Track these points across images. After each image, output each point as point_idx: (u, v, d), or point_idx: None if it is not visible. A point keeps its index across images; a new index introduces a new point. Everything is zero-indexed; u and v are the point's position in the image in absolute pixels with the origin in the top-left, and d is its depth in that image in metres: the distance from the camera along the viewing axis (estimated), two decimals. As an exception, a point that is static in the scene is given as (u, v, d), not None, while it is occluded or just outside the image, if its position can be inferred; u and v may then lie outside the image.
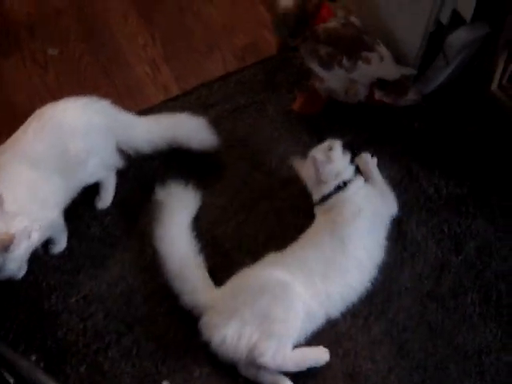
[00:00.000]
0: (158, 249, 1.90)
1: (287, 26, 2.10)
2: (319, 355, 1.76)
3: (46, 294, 1.97)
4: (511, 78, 2.15)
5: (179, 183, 2.03)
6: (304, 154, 2.04)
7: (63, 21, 2.75)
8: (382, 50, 2.10)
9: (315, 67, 2.13)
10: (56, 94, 2.38)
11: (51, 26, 2.73)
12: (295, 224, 2.02)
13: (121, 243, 2.06)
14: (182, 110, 2.21)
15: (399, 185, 2.11)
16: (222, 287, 1.84)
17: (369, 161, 2.01)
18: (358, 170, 2.00)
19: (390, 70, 2.11)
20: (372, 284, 1.86)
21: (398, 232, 2.00)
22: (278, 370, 1.71)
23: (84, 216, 2.12)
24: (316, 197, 1.96)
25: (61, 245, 2.03)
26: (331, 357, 1.78)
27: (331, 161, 1.93)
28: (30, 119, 1.93)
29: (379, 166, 2.04)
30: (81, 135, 1.92)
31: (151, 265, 1.95)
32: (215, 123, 2.19)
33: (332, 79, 2.15)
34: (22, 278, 1.93)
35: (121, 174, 2.15)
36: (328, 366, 1.77)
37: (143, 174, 2.19)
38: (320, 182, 1.94)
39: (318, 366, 1.76)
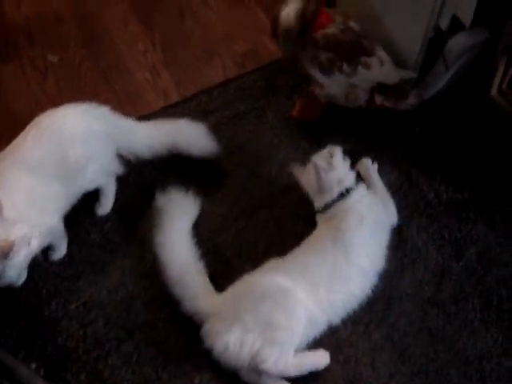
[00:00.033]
0: (159, 255, 1.89)
1: (292, 41, 2.10)
2: (320, 359, 1.76)
3: (45, 301, 1.96)
4: (511, 83, 2.15)
5: (179, 190, 2.02)
6: (304, 161, 2.04)
7: (63, 27, 2.75)
8: (382, 54, 2.10)
9: (316, 73, 2.13)
10: (56, 101, 2.38)
11: (51, 32, 2.73)
12: (295, 231, 2.02)
13: (121, 249, 2.05)
14: (182, 116, 2.20)
15: (399, 190, 2.11)
16: (224, 293, 1.83)
17: (369, 166, 2.01)
18: (358, 176, 2.00)
19: (390, 74, 2.11)
20: (373, 290, 1.85)
21: (398, 238, 1.99)
22: (280, 376, 1.70)
23: (84, 222, 2.11)
24: (318, 205, 1.95)
25: (61, 251, 2.03)
26: (332, 363, 1.77)
27: (333, 168, 1.92)
28: (29, 126, 1.92)
29: (379, 171, 2.04)
30: (80, 141, 1.92)
31: (151, 271, 1.95)
32: (215, 130, 2.19)
33: (332, 85, 2.14)
34: (22, 284, 1.92)
35: (121, 181, 2.14)
36: (329, 372, 1.77)
37: (143, 180, 2.19)
38: (322, 189, 1.92)
39: (319, 369, 1.75)
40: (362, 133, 2.26)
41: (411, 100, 2.13)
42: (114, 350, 1.86)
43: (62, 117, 1.94)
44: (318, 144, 2.13)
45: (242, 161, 2.24)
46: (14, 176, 1.84)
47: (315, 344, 1.78)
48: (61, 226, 1.96)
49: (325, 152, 1.98)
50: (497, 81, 2.16)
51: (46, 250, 1.98)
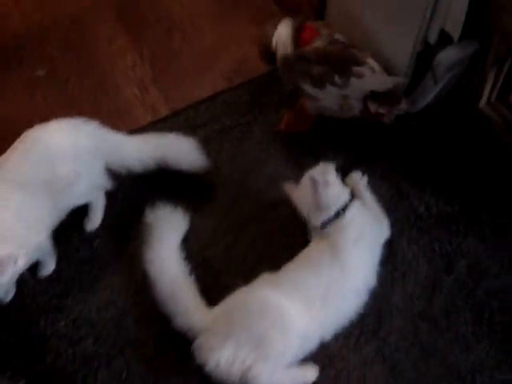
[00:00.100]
0: (148, 271, 1.87)
1: (291, 67, 2.11)
2: (308, 373, 1.76)
3: (34, 318, 1.94)
4: (500, 95, 2.16)
5: (168, 205, 2.01)
6: (293, 175, 2.04)
7: (51, 43, 2.74)
8: (372, 61, 2.10)
9: (307, 88, 2.12)
10: (44, 115, 2.33)
11: (39, 46, 2.73)
12: (285, 245, 2.02)
13: (110, 266, 2.04)
14: (171, 130, 2.20)
15: (389, 203, 2.11)
16: (216, 308, 1.82)
17: (359, 180, 2.00)
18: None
19: (382, 80, 2.10)
20: (364, 305, 1.84)
21: (388, 251, 1.99)
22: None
23: (73, 238, 2.10)
24: (315, 223, 1.91)
25: (49, 268, 2.02)
26: (323, 378, 1.77)
27: (329, 184, 1.89)
28: (17, 141, 1.91)
29: (369, 184, 2.03)
30: (69, 157, 1.91)
31: (141, 287, 1.93)
32: (204, 144, 2.18)
33: (326, 97, 2.14)
34: (10, 301, 1.92)
35: (110, 196, 2.13)
36: (320, 387, 1.77)
37: (132, 195, 2.18)
38: (320, 206, 1.88)
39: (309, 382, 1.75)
40: (352, 146, 2.27)
41: (403, 105, 2.13)
42: (104, 367, 1.85)
43: (49, 132, 1.93)
44: (307, 157, 2.15)
45: (230, 175, 2.23)
46: (1, 192, 1.83)
47: (306, 358, 1.77)
48: (49, 243, 1.94)
49: (318, 169, 1.95)
50: (486, 93, 2.17)
51: (35, 267, 1.97)
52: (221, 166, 2.25)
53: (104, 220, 2.12)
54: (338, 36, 2.12)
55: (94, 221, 2.11)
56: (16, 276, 1.77)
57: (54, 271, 2.02)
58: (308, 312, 1.73)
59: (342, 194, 1.92)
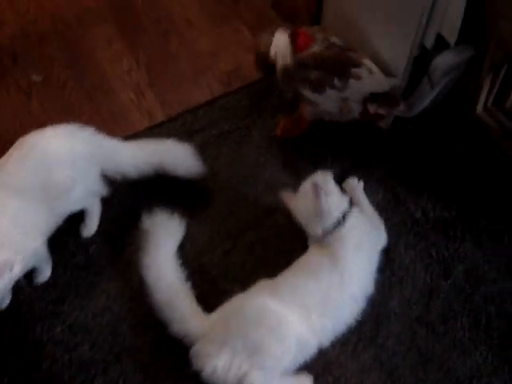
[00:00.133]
0: (145, 277, 1.86)
1: (292, 77, 2.11)
2: (303, 383, 1.76)
3: (30, 325, 1.93)
4: (496, 100, 2.16)
5: (165, 211, 2.00)
6: (290, 180, 2.04)
7: (47, 47, 2.73)
8: (369, 62, 2.10)
9: (307, 93, 2.12)
10: (40, 121, 2.37)
11: (35, 52, 2.71)
12: (282, 251, 2.02)
13: (106, 272, 2.03)
14: (168, 136, 2.20)
15: (386, 209, 2.11)
16: (213, 314, 1.81)
17: (355, 186, 2.00)
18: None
19: (380, 81, 2.10)
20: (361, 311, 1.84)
21: (386, 257, 1.99)
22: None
23: (69, 244, 2.09)
24: (316, 232, 1.88)
25: (45, 274, 2.01)
26: (321, 384, 1.76)
27: (330, 193, 1.87)
28: (13, 147, 1.90)
29: (366, 190, 2.03)
30: (65, 163, 1.90)
31: (137, 294, 1.92)
32: (201, 149, 2.17)
33: (325, 102, 2.13)
34: (6, 308, 1.91)
35: (106, 202, 2.13)
36: (318, 394, 1.76)
37: (128, 201, 2.17)
38: (322, 214, 1.85)
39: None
40: (348, 151, 2.26)
41: (402, 107, 2.13)
42: (100, 375, 1.84)
43: (45, 138, 1.92)
44: (305, 162, 2.15)
45: (227, 181, 2.23)
46: (-2, 198, 1.82)
47: (303, 365, 1.76)
48: (45, 249, 1.94)
49: (315, 177, 1.93)
50: (482, 98, 2.16)
51: (31, 273, 1.96)
52: (218, 172, 2.24)
53: (100, 226, 2.11)
54: (333, 39, 2.12)
55: (90, 227, 2.10)
56: (12, 282, 1.76)
57: (50, 277, 2.01)
58: (306, 319, 1.72)
59: (342, 203, 1.90)
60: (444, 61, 2.07)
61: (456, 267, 1.99)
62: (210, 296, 1.89)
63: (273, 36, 2.12)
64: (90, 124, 2.03)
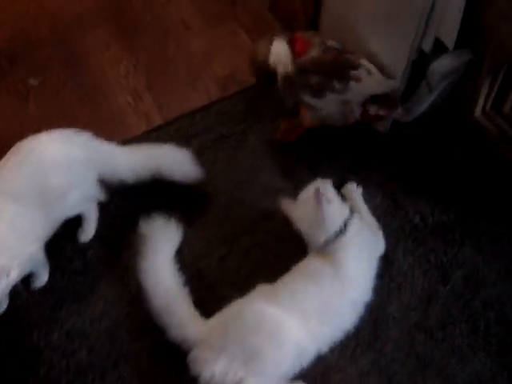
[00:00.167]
0: (142, 282, 1.85)
1: (293, 85, 2.11)
2: None
3: (27, 331, 1.93)
4: (494, 104, 2.16)
5: (162, 216, 1.98)
6: (288, 184, 2.04)
7: (44, 50, 2.72)
8: (365, 62, 2.10)
9: (307, 98, 2.12)
10: (37, 125, 2.36)
11: (32, 56, 2.71)
12: (280, 255, 2.01)
13: (104, 277, 2.03)
14: (165, 140, 2.19)
15: (385, 214, 2.10)
16: (211, 319, 1.80)
17: (354, 191, 2.00)
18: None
19: (379, 82, 2.10)
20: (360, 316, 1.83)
21: (384, 262, 1.98)
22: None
23: (66, 249, 2.08)
24: (319, 240, 1.84)
25: (42, 279, 2.00)
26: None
27: (331, 200, 1.85)
28: (9, 152, 1.89)
29: (364, 194, 2.03)
30: (61, 168, 1.89)
31: (135, 299, 1.91)
32: (198, 154, 2.17)
33: (326, 106, 2.13)
34: (3, 313, 1.90)
35: (103, 207, 2.12)
36: (317, 399, 1.75)
37: (126, 206, 2.16)
38: (325, 221, 1.82)
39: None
40: (347, 155, 2.26)
41: (400, 111, 2.14)
42: (98, 380, 1.84)
43: (42, 143, 1.92)
44: (302, 167, 2.15)
45: (225, 185, 2.22)
46: (-6, 203, 1.81)
47: (302, 370, 1.75)
48: (42, 254, 1.93)
49: (315, 185, 1.90)
50: (480, 102, 2.17)
51: (28, 278, 1.95)
52: (215, 176, 2.23)
53: (97, 231, 2.11)
54: (330, 43, 2.12)
55: (88, 232, 2.10)
56: (9, 288, 1.76)
57: (48, 282, 2.01)
58: (305, 325, 1.71)
59: (343, 210, 1.88)
60: (442, 65, 2.07)
61: (454, 273, 1.99)
62: (207, 301, 1.88)
63: (271, 44, 2.12)
64: (87, 127, 2.02)
